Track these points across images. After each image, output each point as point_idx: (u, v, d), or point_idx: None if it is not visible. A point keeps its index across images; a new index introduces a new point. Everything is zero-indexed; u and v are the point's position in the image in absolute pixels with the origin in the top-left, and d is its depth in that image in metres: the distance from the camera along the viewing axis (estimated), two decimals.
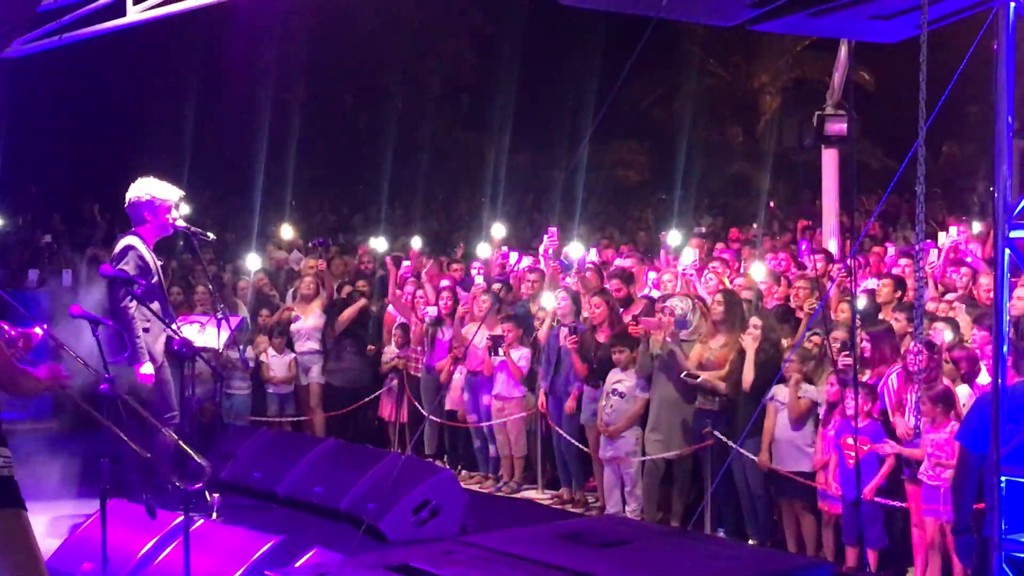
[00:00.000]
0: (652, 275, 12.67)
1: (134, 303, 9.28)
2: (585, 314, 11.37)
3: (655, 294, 11.81)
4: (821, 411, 9.42)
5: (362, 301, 13.40)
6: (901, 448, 8.67)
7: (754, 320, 9.94)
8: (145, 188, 9.62)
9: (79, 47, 12.71)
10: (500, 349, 11.70)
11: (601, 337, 10.94)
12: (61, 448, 12.42)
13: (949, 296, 10.99)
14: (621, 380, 10.63)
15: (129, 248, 9.43)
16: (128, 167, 13.33)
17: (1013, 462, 6.35)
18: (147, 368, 9.26)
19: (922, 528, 8.59)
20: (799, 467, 9.43)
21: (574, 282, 12.32)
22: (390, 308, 13.44)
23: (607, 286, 11.84)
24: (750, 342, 9.79)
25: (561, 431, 11.24)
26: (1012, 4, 6.15)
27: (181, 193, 9.79)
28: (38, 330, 6.61)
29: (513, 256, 14.29)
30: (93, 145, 26.47)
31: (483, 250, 15.26)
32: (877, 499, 8.80)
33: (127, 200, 9.67)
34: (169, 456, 9.29)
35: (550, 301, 11.59)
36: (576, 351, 10.98)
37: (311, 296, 13.42)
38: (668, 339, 10.29)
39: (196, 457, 7.16)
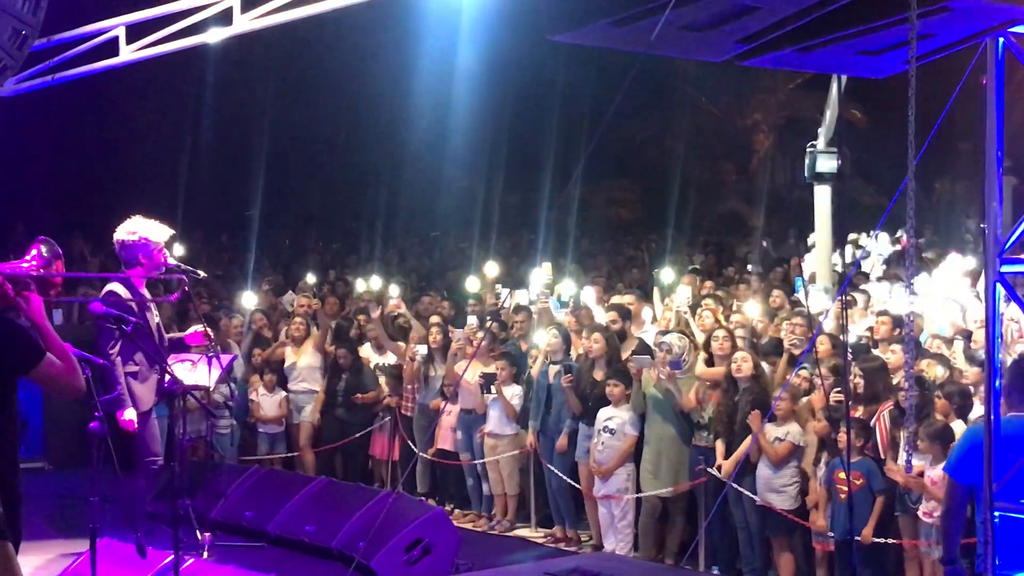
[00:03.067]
0: (649, 312, 12.70)
1: (117, 347, 9.21)
2: (578, 351, 11.36)
3: (652, 330, 11.79)
4: (811, 450, 9.40)
5: None
6: (919, 484, 8.60)
7: (743, 355, 9.96)
8: (138, 229, 9.49)
9: (69, 84, 12.71)
10: (492, 387, 11.66)
11: (598, 374, 10.90)
12: (51, 486, 12.40)
13: (943, 332, 10.99)
14: (612, 417, 10.61)
15: (110, 295, 9.31)
16: (119, 206, 13.27)
17: (1006, 497, 6.33)
18: (129, 414, 9.19)
19: (917, 564, 8.55)
20: (779, 504, 9.41)
21: (568, 320, 12.31)
22: (364, 351, 13.37)
23: (604, 321, 11.80)
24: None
25: (554, 469, 11.20)
26: (1001, 39, 6.18)
27: (172, 232, 9.73)
28: None
29: (505, 293, 14.26)
30: (82, 183, 26.45)
31: (473, 287, 15.25)
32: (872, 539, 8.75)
33: (118, 241, 9.53)
34: (143, 497, 9.27)
35: (543, 339, 11.59)
36: (572, 389, 10.94)
37: (301, 338, 13.37)
38: (663, 378, 10.28)
39: None
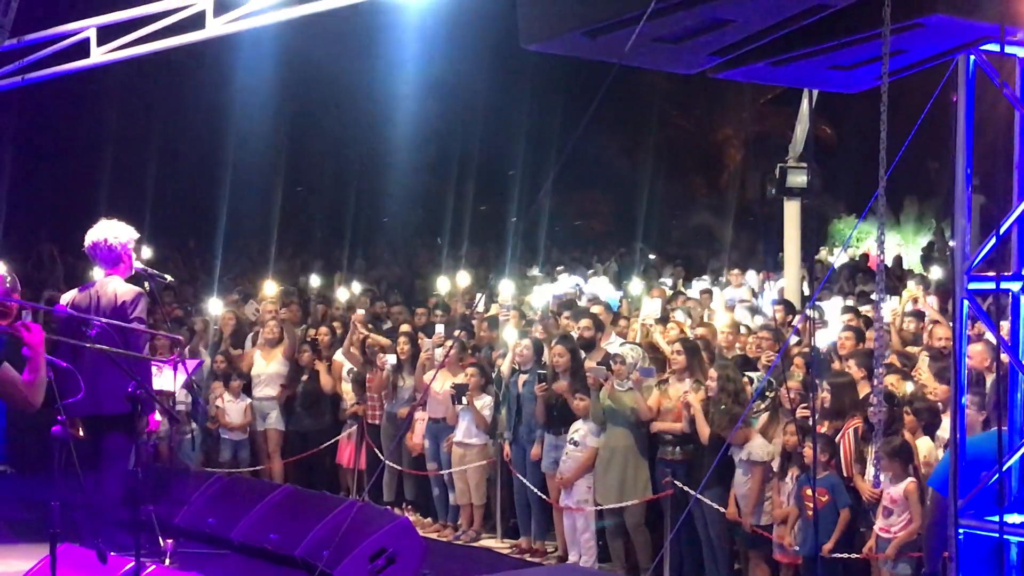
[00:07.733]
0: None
1: (147, 347, 9.12)
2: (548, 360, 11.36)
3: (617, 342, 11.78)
4: (775, 464, 9.40)
5: None
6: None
7: (711, 372, 9.92)
8: (121, 231, 9.44)
9: (38, 87, 12.61)
10: (464, 398, 11.59)
11: (563, 385, 10.88)
12: (12, 491, 12.29)
13: (912, 348, 11.03)
14: (579, 429, 10.60)
15: (141, 295, 9.25)
16: (87, 209, 13.17)
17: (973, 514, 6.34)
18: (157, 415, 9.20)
19: None
20: (759, 520, 9.40)
21: (537, 329, 12.28)
22: (338, 356, 13.31)
23: (575, 330, 11.77)
24: (694, 398, 9.80)
25: (524, 480, 11.16)
26: (972, 56, 6.19)
27: (138, 235, 9.68)
28: None
29: (479, 300, 14.26)
30: (50, 185, 26.28)
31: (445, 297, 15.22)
32: (835, 554, 8.75)
33: (100, 242, 9.38)
34: (117, 500, 9.19)
35: (512, 336, 11.56)
36: (543, 399, 10.90)
37: (275, 341, 13.29)
38: (619, 389, 10.26)
39: None
